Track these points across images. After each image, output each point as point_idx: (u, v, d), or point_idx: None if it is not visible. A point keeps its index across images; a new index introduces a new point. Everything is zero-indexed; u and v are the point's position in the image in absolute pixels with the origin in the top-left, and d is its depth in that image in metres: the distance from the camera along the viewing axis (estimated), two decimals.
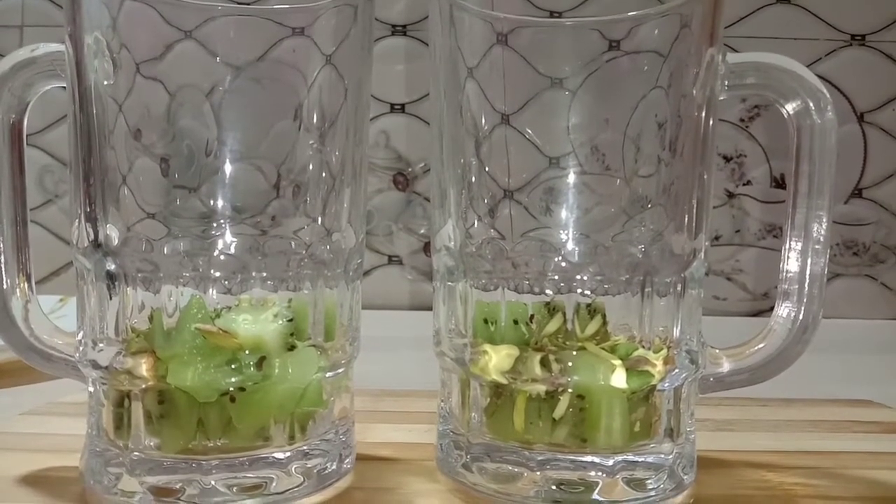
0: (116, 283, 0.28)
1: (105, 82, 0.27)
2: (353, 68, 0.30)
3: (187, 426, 0.27)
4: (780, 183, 0.76)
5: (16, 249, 0.31)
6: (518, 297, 0.30)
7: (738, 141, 0.76)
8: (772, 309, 0.32)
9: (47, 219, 0.75)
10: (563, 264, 0.29)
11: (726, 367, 0.31)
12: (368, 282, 0.76)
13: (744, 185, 0.76)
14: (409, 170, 0.77)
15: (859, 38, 0.75)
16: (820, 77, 0.30)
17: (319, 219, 0.29)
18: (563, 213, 0.29)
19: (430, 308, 0.33)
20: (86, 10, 0.27)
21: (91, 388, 0.29)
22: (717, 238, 0.77)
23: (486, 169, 0.30)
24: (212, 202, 0.28)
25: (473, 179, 0.30)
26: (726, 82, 0.30)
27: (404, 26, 0.75)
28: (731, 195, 0.76)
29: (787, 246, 0.31)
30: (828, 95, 0.30)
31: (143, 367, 0.27)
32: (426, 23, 0.32)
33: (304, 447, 0.29)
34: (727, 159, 0.76)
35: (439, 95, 0.31)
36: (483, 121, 0.30)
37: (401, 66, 0.75)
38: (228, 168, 0.28)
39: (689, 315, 0.30)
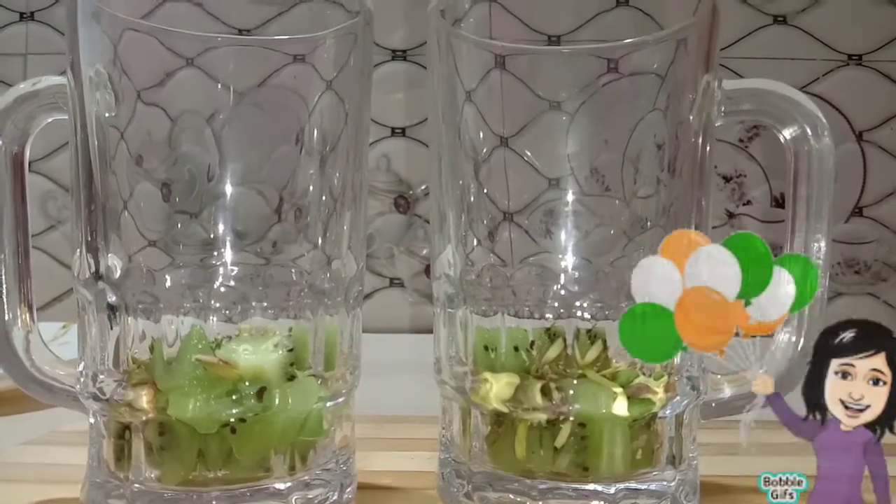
0: (117, 314, 0.28)
1: (107, 114, 0.28)
2: (353, 93, 0.30)
3: (188, 458, 0.27)
4: (779, 202, 0.76)
5: (18, 279, 0.31)
6: (518, 322, 0.30)
7: (737, 161, 0.76)
8: None
9: (50, 245, 0.75)
10: (563, 293, 0.29)
11: (727, 392, 0.31)
12: (370, 305, 0.76)
13: (744, 204, 0.77)
14: (411, 192, 0.77)
15: (856, 57, 0.75)
16: (818, 97, 0.31)
17: (320, 243, 0.29)
18: (564, 236, 0.29)
19: (431, 331, 0.33)
20: (87, 40, 0.28)
21: (92, 420, 0.29)
22: None
23: (485, 191, 0.30)
24: (213, 227, 0.28)
25: (472, 200, 0.30)
26: (723, 108, 0.30)
27: (404, 51, 0.76)
28: (731, 215, 0.77)
29: None
30: (824, 120, 0.30)
31: (144, 398, 0.27)
32: (426, 47, 0.32)
33: (305, 477, 0.29)
34: (727, 179, 0.76)
35: (438, 119, 0.31)
36: (482, 144, 0.30)
37: (401, 90, 0.76)
38: (230, 193, 0.28)
39: None
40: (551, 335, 0.30)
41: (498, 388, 0.29)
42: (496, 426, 0.29)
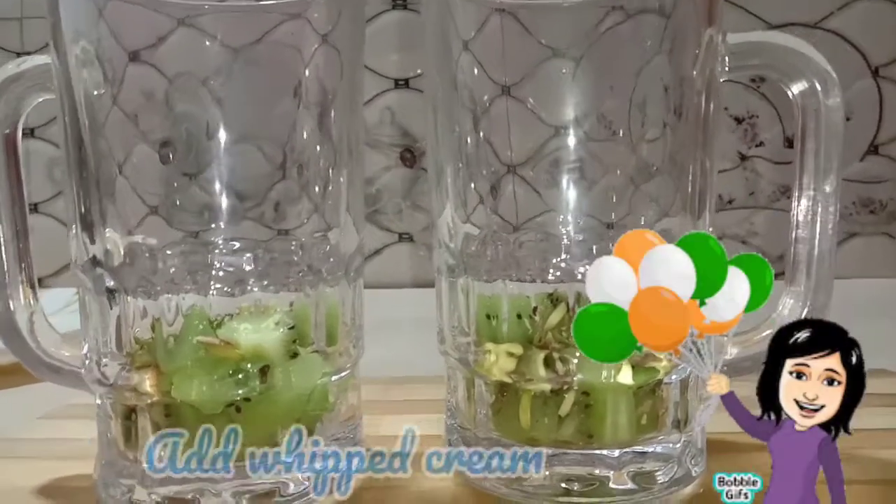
0: (116, 295, 0.28)
1: (95, 92, 0.27)
2: (347, 45, 0.29)
3: (195, 437, 0.27)
4: (792, 143, 0.74)
5: (18, 260, 0.31)
6: (520, 286, 0.29)
7: (749, 102, 0.74)
8: None
9: (58, 211, 0.75)
10: (564, 264, 0.28)
11: (733, 353, 0.31)
12: (379, 260, 0.76)
13: (756, 146, 0.75)
14: (416, 145, 0.76)
15: None
16: (832, 32, 0.29)
17: (319, 203, 0.29)
18: (569, 187, 0.29)
19: None
20: (70, 10, 0.27)
21: (99, 401, 0.29)
22: (730, 201, 0.75)
23: (487, 141, 0.29)
24: (212, 188, 0.28)
25: (472, 152, 0.29)
26: (727, 61, 0.29)
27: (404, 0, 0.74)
28: (743, 157, 0.75)
29: (794, 225, 0.31)
30: (834, 75, 0.29)
31: (148, 382, 0.27)
32: None
33: (313, 450, 0.29)
34: (739, 121, 0.75)
35: (433, 70, 0.30)
36: (481, 93, 0.29)
37: (400, 40, 0.74)
38: (229, 151, 0.28)
39: None
40: (554, 300, 0.29)
41: (501, 359, 0.28)
42: (500, 395, 0.29)
